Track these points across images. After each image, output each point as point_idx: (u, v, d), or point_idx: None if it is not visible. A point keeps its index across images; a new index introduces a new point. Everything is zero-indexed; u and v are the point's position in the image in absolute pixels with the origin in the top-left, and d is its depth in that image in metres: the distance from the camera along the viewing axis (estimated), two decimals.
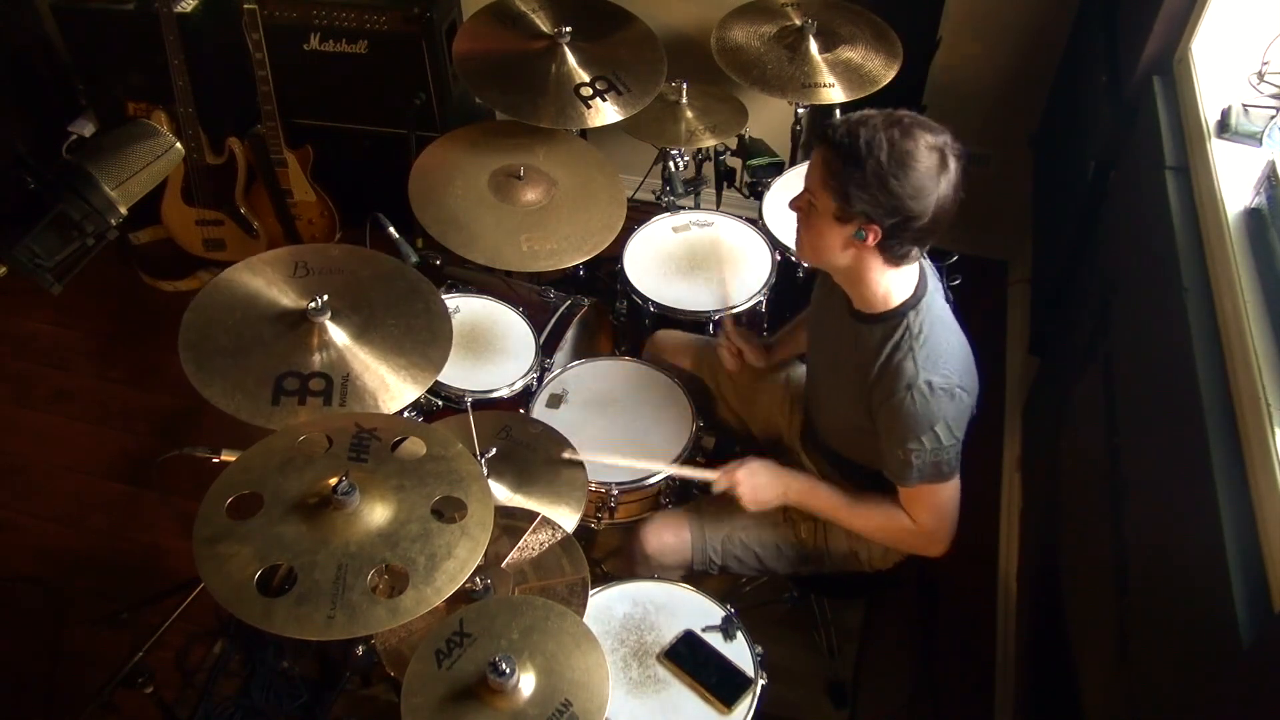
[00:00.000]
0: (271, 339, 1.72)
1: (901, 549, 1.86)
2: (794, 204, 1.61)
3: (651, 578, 1.88)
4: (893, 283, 1.60)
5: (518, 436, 1.96)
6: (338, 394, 1.68)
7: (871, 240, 1.51)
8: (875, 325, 1.63)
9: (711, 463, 2.12)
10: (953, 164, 1.46)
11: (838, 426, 1.86)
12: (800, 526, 1.94)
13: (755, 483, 1.80)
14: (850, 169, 1.46)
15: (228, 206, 3.08)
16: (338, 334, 1.74)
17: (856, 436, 1.78)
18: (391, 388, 1.71)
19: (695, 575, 1.98)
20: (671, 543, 1.93)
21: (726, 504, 1.98)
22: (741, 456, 1.87)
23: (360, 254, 1.91)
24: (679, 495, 2.10)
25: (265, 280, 1.80)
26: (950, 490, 1.68)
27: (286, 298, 1.79)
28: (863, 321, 1.65)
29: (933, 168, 1.43)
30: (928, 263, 1.70)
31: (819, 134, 1.52)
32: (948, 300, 1.73)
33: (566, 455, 1.90)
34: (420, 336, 1.79)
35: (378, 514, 1.44)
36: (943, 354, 1.59)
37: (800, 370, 2.16)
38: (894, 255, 1.54)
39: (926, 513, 1.70)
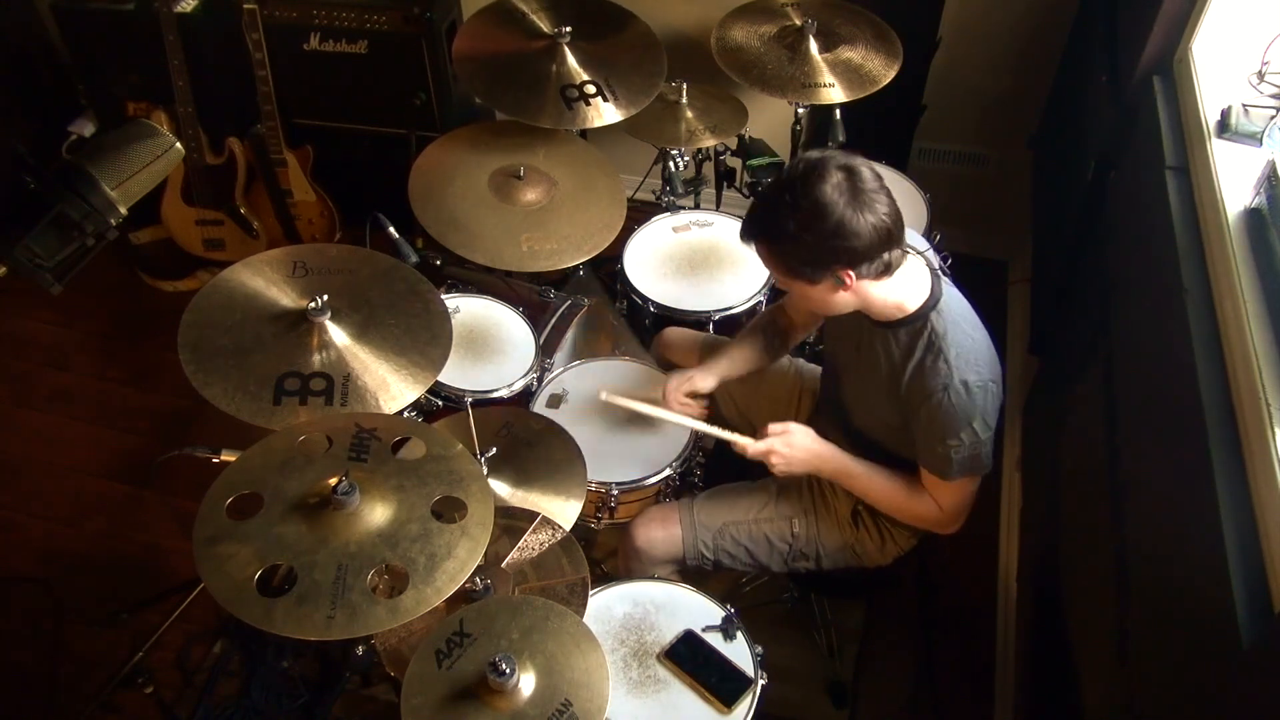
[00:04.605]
0: (271, 339, 1.72)
1: (915, 525, 1.87)
2: (779, 285, 1.71)
3: (650, 576, 1.88)
4: (901, 292, 1.63)
5: (518, 433, 1.95)
6: (338, 394, 1.68)
7: (851, 283, 1.56)
8: (899, 330, 1.66)
9: (705, 479, 2.13)
10: (863, 177, 1.51)
11: (873, 425, 1.87)
12: (794, 521, 1.94)
13: (791, 455, 1.79)
14: (789, 250, 1.57)
15: (227, 206, 3.08)
16: (338, 334, 1.73)
17: (878, 436, 1.82)
18: (392, 387, 1.71)
19: (690, 572, 1.98)
20: (660, 536, 1.94)
21: (718, 499, 1.98)
22: (732, 477, 1.90)
23: (360, 254, 1.91)
24: (679, 495, 2.09)
25: (265, 280, 1.80)
26: (976, 483, 1.73)
27: (286, 298, 1.78)
28: (886, 328, 1.68)
29: (844, 201, 1.49)
30: (934, 256, 1.73)
31: (746, 234, 1.63)
32: (961, 291, 1.75)
33: (605, 397, 1.91)
34: (420, 336, 1.79)
35: (378, 514, 1.44)
36: (972, 351, 1.62)
37: (803, 365, 2.17)
38: (880, 271, 1.57)
39: (953, 500, 1.74)
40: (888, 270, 1.58)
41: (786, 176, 1.54)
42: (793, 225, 1.52)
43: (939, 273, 1.68)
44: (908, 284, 1.63)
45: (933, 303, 1.64)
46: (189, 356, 1.68)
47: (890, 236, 1.53)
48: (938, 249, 1.70)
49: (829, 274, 1.56)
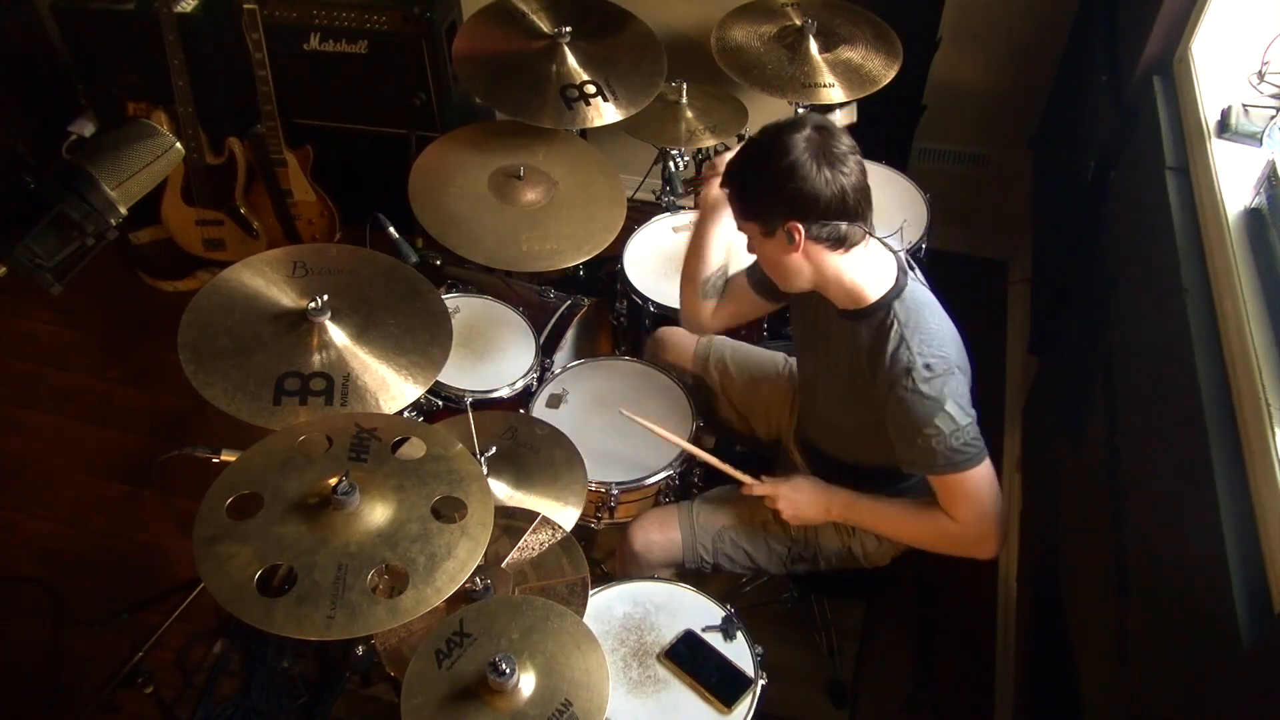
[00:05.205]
0: (271, 339, 1.72)
1: (953, 553, 1.76)
2: (749, 249, 1.71)
3: (650, 577, 1.88)
4: (861, 277, 1.62)
5: (523, 438, 1.96)
6: (338, 394, 1.68)
7: (800, 237, 1.56)
8: (862, 320, 1.65)
9: (705, 480, 2.14)
10: (836, 138, 1.53)
11: (835, 426, 1.87)
12: (790, 524, 1.94)
13: (798, 499, 1.83)
14: (745, 189, 1.61)
15: (227, 206, 3.08)
16: (337, 334, 1.73)
17: (855, 436, 1.79)
18: (392, 387, 1.71)
19: (689, 574, 1.98)
20: (659, 540, 1.94)
21: (717, 502, 1.98)
22: (755, 460, 1.89)
23: (359, 254, 1.91)
24: (679, 496, 2.09)
25: (265, 280, 1.80)
26: (983, 478, 1.63)
27: (286, 298, 1.78)
28: (850, 319, 1.67)
29: (806, 149, 1.51)
30: (897, 241, 1.73)
31: (722, 180, 1.66)
32: (930, 286, 1.74)
33: (625, 412, 1.94)
34: (420, 336, 1.79)
35: (378, 514, 1.44)
36: (934, 337, 1.60)
37: (796, 367, 2.16)
38: (834, 240, 1.57)
39: (964, 506, 1.65)
40: (842, 243, 1.57)
41: (767, 126, 1.57)
42: (752, 162, 1.56)
43: (906, 267, 1.67)
44: (870, 271, 1.63)
45: (896, 292, 1.63)
46: (189, 356, 1.68)
47: (844, 202, 1.53)
48: (914, 253, 1.70)
49: (779, 223, 1.56)
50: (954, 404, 1.58)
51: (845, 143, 1.54)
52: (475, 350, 2.25)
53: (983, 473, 1.63)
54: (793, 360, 2.18)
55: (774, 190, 1.54)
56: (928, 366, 1.57)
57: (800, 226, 1.55)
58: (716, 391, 2.19)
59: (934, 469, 1.63)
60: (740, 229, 1.67)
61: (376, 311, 1.80)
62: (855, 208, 1.55)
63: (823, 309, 1.72)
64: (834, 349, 1.74)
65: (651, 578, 1.85)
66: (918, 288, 1.66)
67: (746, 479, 1.86)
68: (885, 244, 1.68)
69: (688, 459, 2.05)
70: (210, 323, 1.73)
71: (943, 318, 1.66)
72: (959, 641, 2.43)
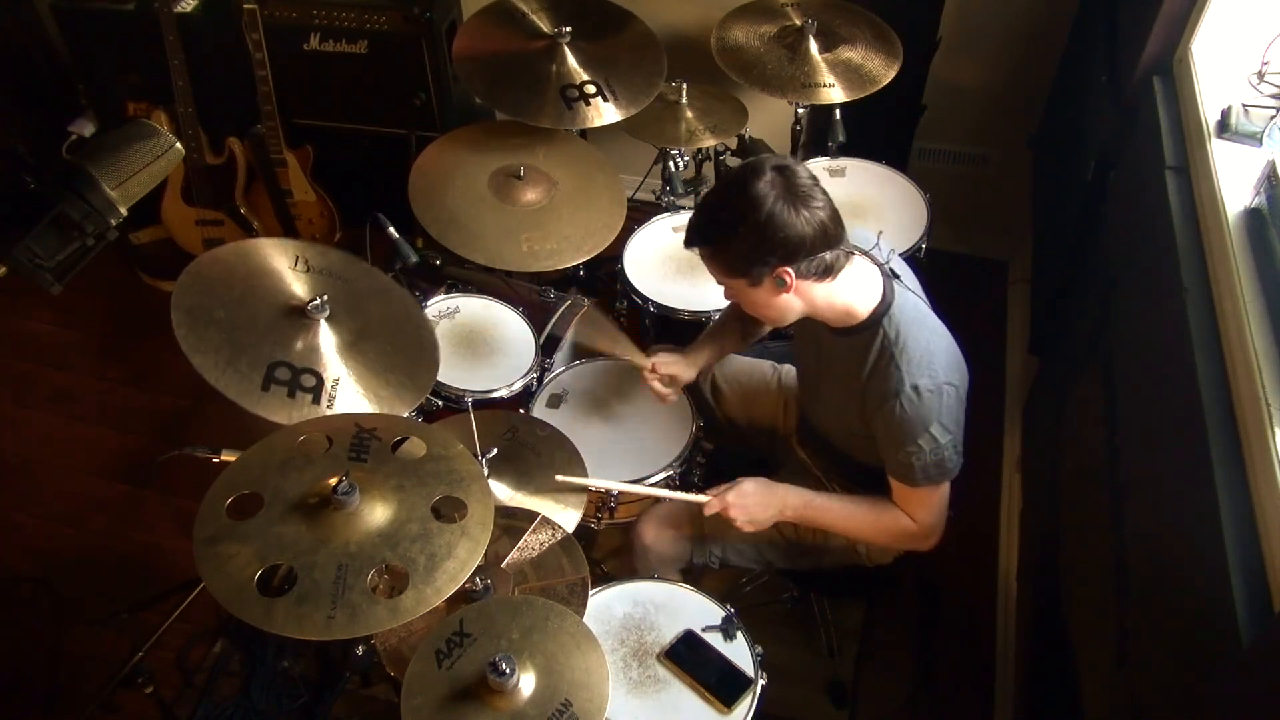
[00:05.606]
0: (268, 324, 1.72)
1: (898, 546, 1.88)
2: (726, 296, 1.71)
3: (652, 573, 1.88)
4: (850, 296, 1.63)
5: (524, 438, 1.96)
6: (326, 396, 1.68)
7: (791, 281, 1.56)
8: (854, 338, 1.66)
9: (705, 479, 2.11)
10: (797, 175, 1.52)
11: (835, 430, 1.88)
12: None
13: (747, 504, 1.79)
14: (728, 249, 1.58)
15: (227, 206, 3.08)
16: (332, 337, 1.73)
17: (855, 439, 1.80)
18: (379, 401, 1.72)
19: (696, 569, 1.98)
20: (670, 535, 1.94)
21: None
22: (731, 476, 1.84)
23: (359, 266, 1.90)
24: None
25: (270, 264, 1.79)
26: (946, 489, 1.71)
27: (288, 287, 1.78)
28: (841, 335, 1.68)
29: (778, 195, 1.50)
30: (900, 263, 1.74)
31: (689, 240, 1.64)
32: (925, 293, 1.75)
33: (560, 479, 1.85)
34: (411, 354, 1.79)
35: (378, 514, 1.44)
36: (924, 354, 1.60)
37: (785, 373, 2.17)
38: (822, 272, 1.57)
39: (925, 512, 1.73)
40: (830, 272, 1.58)
41: (723, 180, 1.56)
42: (726, 222, 1.55)
43: (890, 275, 1.67)
44: (856, 288, 1.63)
45: (884, 307, 1.63)
46: (182, 318, 1.66)
47: (826, 233, 1.53)
48: (915, 253, 1.69)
49: (768, 272, 1.56)
50: (939, 424, 1.60)
51: (805, 174, 1.54)
52: (475, 350, 2.25)
53: (948, 485, 1.70)
54: (781, 368, 2.19)
55: (757, 245, 1.53)
56: (915, 389, 1.58)
57: (790, 270, 1.55)
58: (710, 400, 2.19)
59: (911, 482, 1.67)
60: (721, 283, 1.67)
61: (372, 325, 1.80)
62: (835, 235, 1.56)
63: (817, 326, 1.73)
64: (829, 362, 1.76)
65: (653, 577, 1.85)
66: (906, 299, 1.66)
67: (699, 499, 1.81)
68: (869, 255, 1.68)
69: (688, 460, 2.05)
70: (210, 290, 1.71)
71: (932, 328, 1.66)
72: (959, 641, 2.43)
